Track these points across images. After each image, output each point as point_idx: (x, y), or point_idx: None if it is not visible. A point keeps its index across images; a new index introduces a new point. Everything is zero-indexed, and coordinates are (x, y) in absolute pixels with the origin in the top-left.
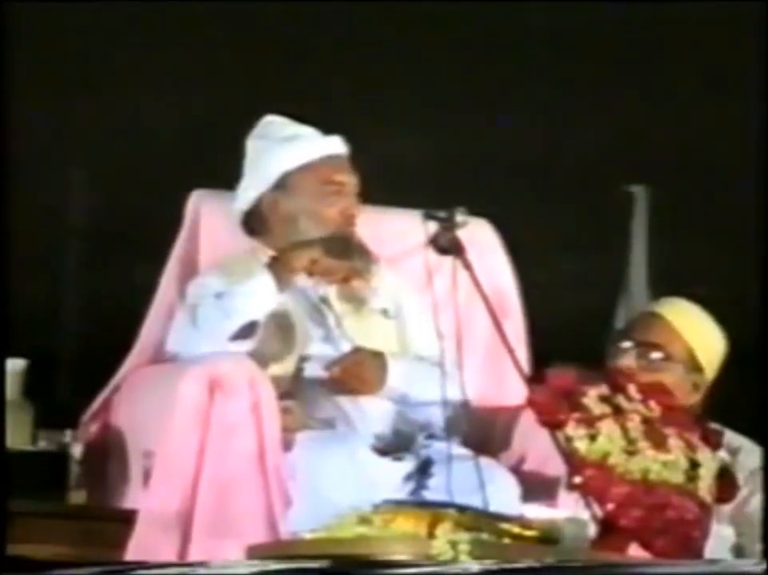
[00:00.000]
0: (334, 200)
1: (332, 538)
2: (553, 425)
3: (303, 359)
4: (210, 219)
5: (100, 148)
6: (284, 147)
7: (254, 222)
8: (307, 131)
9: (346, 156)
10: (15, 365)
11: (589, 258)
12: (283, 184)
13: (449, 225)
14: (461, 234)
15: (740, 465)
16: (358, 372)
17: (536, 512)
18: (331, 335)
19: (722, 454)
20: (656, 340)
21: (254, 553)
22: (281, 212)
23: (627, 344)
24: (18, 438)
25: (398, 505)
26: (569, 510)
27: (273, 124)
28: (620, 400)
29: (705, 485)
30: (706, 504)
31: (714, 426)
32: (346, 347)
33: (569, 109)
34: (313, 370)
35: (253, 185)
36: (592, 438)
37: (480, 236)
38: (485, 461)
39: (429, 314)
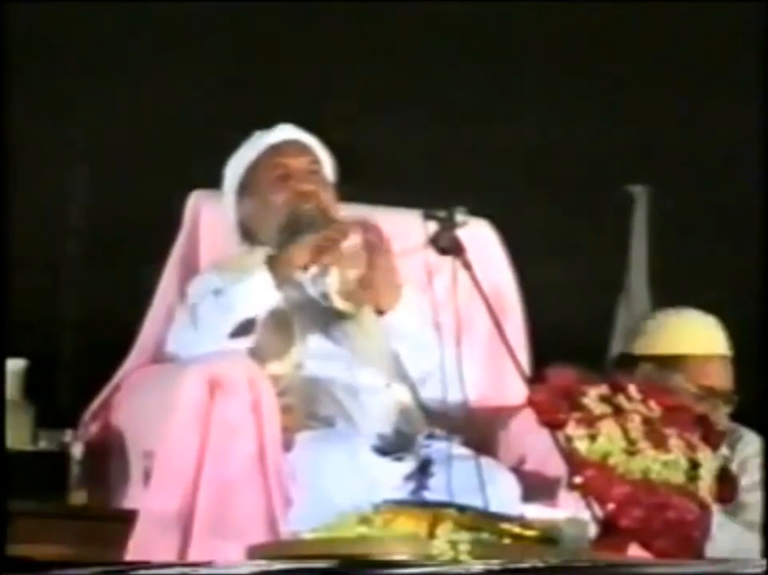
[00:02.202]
0: (282, 183)
1: (333, 538)
2: (553, 425)
3: (303, 356)
4: (210, 219)
5: (100, 148)
6: (238, 152)
7: (244, 232)
8: (263, 133)
9: (297, 141)
10: (15, 365)
11: (589, 258)
12: (244, 188)
13: (449, 225)
14: (461, 234)
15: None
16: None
17: (537, 512)
18: (331, 331)
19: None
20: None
21: (254, 553)
22: (255, 214)
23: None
24: (18, 438)
25: (399, 505)
26: (569, 510)
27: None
28: (620, 400)
29: (705, 485)
30: (707, 504)
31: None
32: (345, 344)
33: (569, 109)
34: (313, 368)
35: (226, 195)
36: (593, 438)
37: (480, 236)
38: (486, 461)
39: (429, 314)
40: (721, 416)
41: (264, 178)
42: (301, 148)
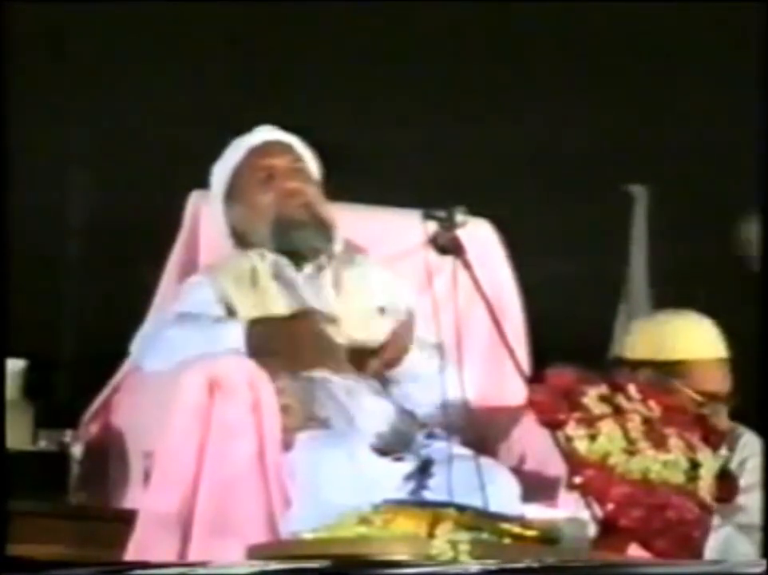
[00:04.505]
0: (267, 184)
1: (332, 538)
2: (553, 425)
3: None
4: (210, 219)
5: (100, 148)
6: (221, 159)
7: (235, 237)
8: (243, 137)
9: (279, 141)
10: (15, 365)
11: (589, 258)
12: (231, 193)
13: (448, 225)
14: (461, 234)
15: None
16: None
17: (536, 512)
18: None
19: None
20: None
21: (254, 553)
22: (244, 218)
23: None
24: (18, 438)
25: (398, 505)
26: (569, 510)
27: None
28: (620, 400)
29: (705, 485)
30: (707, 504)
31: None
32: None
33: (569, 109)
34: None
35: (214, 202)
36: (592, 438)
37: (479, 236)
38: (486, 461)
39: (429, 314)
40: (722, 420)
41: (249, 181)
42: (283, 148)
